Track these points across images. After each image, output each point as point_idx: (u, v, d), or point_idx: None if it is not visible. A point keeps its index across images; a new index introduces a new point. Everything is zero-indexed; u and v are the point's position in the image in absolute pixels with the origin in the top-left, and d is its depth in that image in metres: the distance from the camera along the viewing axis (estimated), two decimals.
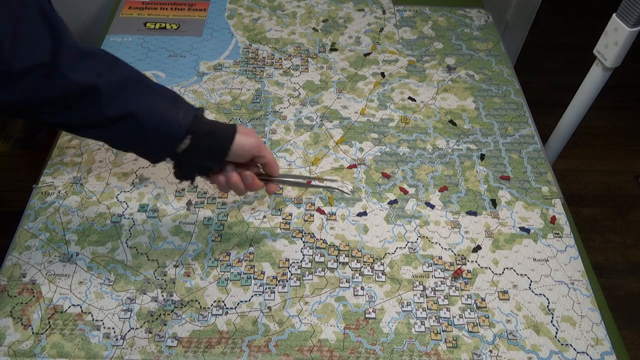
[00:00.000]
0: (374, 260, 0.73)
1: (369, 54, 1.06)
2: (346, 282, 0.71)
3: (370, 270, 0.72)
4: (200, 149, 0.59)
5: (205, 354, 0.64)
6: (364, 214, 0.79)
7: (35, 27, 0.50)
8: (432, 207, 0.80)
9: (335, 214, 0.78)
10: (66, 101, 0.53)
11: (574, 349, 0.66)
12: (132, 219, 0.77)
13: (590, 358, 0.65)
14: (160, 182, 0.81)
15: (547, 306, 0.69)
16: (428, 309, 0.69)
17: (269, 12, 1.15)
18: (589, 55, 0.89)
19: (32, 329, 0.65)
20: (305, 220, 0.78)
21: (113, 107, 0.54)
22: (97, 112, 0.54)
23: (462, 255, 0.74)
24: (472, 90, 0.99)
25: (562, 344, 0.66)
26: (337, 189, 0.72)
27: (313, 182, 0.70)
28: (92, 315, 0.66)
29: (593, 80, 0.91)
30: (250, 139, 0.62)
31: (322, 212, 0.79)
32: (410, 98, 0.97)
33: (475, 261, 0.74)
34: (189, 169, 0.63)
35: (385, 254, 0.74)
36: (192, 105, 0.60)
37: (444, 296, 0.70)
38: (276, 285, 0.70)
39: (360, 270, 0.72)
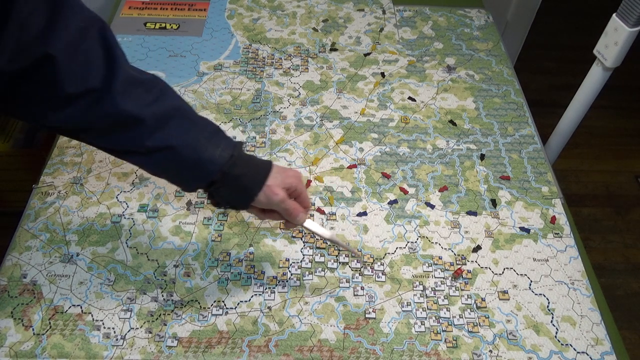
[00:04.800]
0: (374, 260, 0.73)
1: (369, 54, 1.06)
2: (346, 282, 0.71)
3: (370, 270, 0.72)
4: (228, 189, 0.60)
5: (205, 354, 0.64)
6: (364, 214, 0.79)
7: (92, 53, 0.50)
8: (432, 207, 0.80)
9: (335, 214, 0.78)
10: (111, 128, 0.53)
11: (574, 349, 0.66)
12: (132, 219, 0.77)
13: (590, 358, 0.65)
14: (160, 182, 0.81)
15: (547, 306, 0.69)
16: (428, 309, 0.69)
17: (269, 12, 1.15)
18: (589, 55, 0.89)
19: (33, 329, 0.65)
20: None
21: (154, 139, 0.55)
22: (138, 141, 0.55)
23: (462, 255, 0.74)
24: (472, 90, 0.99)
25: (562, 344, 0.66)
26: (351, 251, 0.71)
27: (329, 240, 0.68)
28: (92, 316, 0.66)
29: (593, 80, 0.91)
30: (275, 197, 0.59)
31: (322, 212, 0.79)
32: (410, 98, 0.97)
33: (475, 261, 0.74)
34: (220, 201, 0.63)
35: (385, 254, 0.74)
36: (232, 141, 0.60)
37: (444, 296, 0.70)
38: (276, 285, 0.70)
39: (360, 270, 0.72)
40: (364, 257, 0.73)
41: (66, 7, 0.48)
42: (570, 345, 0.66)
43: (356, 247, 0.75)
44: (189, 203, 0.79)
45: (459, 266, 0.73)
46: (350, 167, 0.85)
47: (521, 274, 0.73)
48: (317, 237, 0.66)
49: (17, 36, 0.45)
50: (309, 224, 0.64)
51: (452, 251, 0.75)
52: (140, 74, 0.55)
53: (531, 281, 0.72)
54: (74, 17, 0.49)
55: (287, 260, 0.73)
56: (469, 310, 0.69)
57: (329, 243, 0.74)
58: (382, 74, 1.01)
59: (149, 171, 0.61)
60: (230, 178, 0.58)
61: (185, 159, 0.56)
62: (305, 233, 0.76)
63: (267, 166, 0.61)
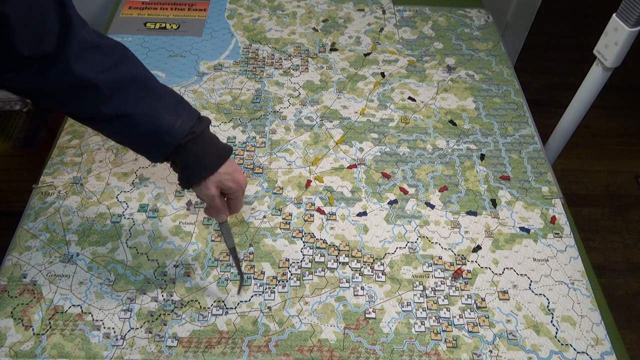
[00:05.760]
0: (374, 260, 0.73)
1: (369, 54, 1.06)
2: (346, 282, 0.71)
3: (370, 270, 0.72)
4: (183, 164, 0.58)
5: (205, 354, 0.64)
6: (364, 214, 0.79)
7: (47, 17, 0.50)
8: (432, 207, 0.80)
9: (335, 214, 0.78)
10: (66, 92, 0.54)
11: (574, 349, 0.66)
12: (132, 219, 0.77)
13: (590, 358, 0.65)
14: (160, 182, 0.81)
15: (547, 306, 0.69)
16: (428, 309, 0.69)
17: (269, 12, 1.15)
18: (589, 55, 0.89)
19: (33, 329, 0.65)
20: (305, 220, 0.78)
21: (109, 106, 0.54)
22: (94, 107, 0.55)
23: (462, 255, 0.74)
24: (472, 90, 0.99)
25: (562, 344, 0.66)
26: (240, 272, 0.69)
27: (231, 253, 0.67)
28: (92, 316, 0.66)
29: (593, 80, 0.91)
30: (206, 191, 0.59)
31: (322, 212, 0.79)
32: (410, 98, 0.97)
33: (475, 261, 0.74)
34: (176, 171, 0.62)
35: (385, 254, 0.74)
36: (195, 114, 0.58)
37: (444, 296, 0.70)
38: (276, 285, 0.70)
39: (360, 270, 0.72)
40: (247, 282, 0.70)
41: None
42: (570, 345, 0.66)
43: (356, 247, 0.75)
44: (189, 203, 0.79)
45: (459, 266, 0.73)
46: (350, 167, 0.85)
47: (521, 274, 0.73)
48: (226, 242, 0.66)
49: None
50: (224, 226, 0.65)
51: (452, 251, 0.75)
52: (100, 40, 0.54)
53: (531, 281, 0.72)
54: None
55: (287, 260, 0.73)
56: (469, 310, 0.69)
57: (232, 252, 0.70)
58: (382, 74, 1.01)
59: (113, 139, 0.61)
60: (185, 153, 0.57)
61: (142, 128, 0.56)
62: (305, 233, 0.76)
63: (222, 157, 0.60)
